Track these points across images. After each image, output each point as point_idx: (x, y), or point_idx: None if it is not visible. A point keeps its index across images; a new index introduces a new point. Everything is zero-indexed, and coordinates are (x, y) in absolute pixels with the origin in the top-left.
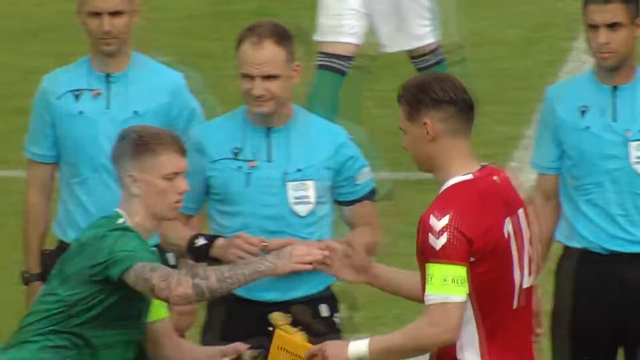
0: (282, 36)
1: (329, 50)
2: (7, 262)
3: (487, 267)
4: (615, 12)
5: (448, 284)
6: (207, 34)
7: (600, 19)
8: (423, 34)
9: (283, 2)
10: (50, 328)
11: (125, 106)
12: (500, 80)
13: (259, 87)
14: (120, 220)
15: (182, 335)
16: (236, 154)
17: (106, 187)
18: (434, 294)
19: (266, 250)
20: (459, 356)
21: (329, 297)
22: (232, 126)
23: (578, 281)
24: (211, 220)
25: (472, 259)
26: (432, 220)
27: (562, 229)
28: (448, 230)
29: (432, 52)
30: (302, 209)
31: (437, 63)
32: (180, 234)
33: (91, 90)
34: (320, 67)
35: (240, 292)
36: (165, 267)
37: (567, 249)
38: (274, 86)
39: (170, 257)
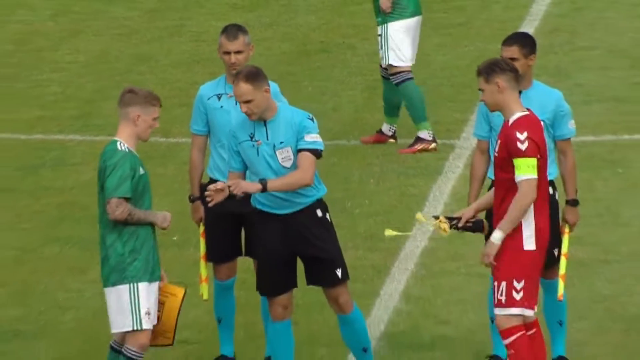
0: (249, 75)
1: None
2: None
3: (542, 165)
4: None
5: (530, 168)
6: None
7: None
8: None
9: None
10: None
11: None
12: None
13: (243, 108)
14: (119, 147)
15: None
16: (251, 137)
17: None
18: (523, 175)
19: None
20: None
21: (320, 203)
22: (248, 122)
23: None
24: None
25: (538, 157)
26: (517, 135)
27: None
28: (528, 140)
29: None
30: (287, 164)
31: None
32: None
33: (227, 94)
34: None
35: (265, 208)
36: (121, 201)
37: None
38: (251, 106)
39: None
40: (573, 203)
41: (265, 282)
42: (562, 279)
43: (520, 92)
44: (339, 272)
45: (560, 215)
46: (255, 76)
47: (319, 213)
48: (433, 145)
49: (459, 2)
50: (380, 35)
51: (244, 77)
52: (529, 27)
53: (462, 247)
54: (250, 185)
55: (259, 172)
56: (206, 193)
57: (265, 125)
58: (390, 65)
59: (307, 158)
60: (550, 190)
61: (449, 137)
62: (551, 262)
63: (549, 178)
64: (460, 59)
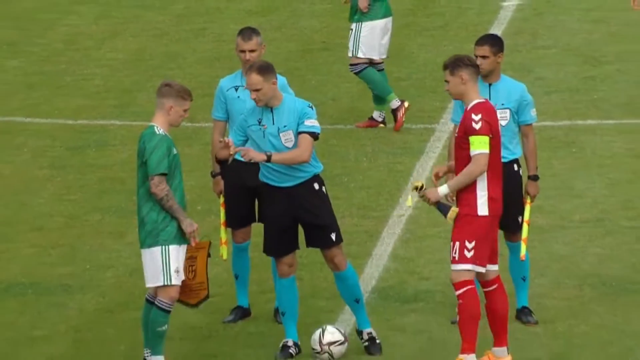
0: (260, 68)
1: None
2: (206, 167)
3: (495, 143)
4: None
5: (483, 144)
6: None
7: None
8: None
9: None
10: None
11: None
12: None
13: (252, 95)
14: (157, 131)
15: None
16: (259, 121)
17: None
18: (476, 150)
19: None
20: (478, 186)
21: (317, 178)
22: (257, 108)
23: None
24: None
25: (490, 136)
26: (473, 116)
27: None
28: (481, 121)
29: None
30: (289, 145)
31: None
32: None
33: (243, 86)
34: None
35: (271, 182)
36: (162, 178)
37: None
38: (259, 94)
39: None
40: (534, 178)
41: (272, 245)
42: (525, 242)
43: (490, 85)
44: (333, 236)
45: (523, 188)
46: (265, 69)
47: (316, 186)
48: (381, 125)
49: (439, 8)
50: (352, 30)
51: (256, 69)
52: (497, 30)
53: (442, 215)
54: (257, 155)
55: (263, 150)
56: (221, 139)
57: (272, 111)
58: (354, 57)
59: (305, 139)
60: (515, 167)
61: (430, 122)
62: (515, 228)
63: (514, 157)
64: (440, 57)
